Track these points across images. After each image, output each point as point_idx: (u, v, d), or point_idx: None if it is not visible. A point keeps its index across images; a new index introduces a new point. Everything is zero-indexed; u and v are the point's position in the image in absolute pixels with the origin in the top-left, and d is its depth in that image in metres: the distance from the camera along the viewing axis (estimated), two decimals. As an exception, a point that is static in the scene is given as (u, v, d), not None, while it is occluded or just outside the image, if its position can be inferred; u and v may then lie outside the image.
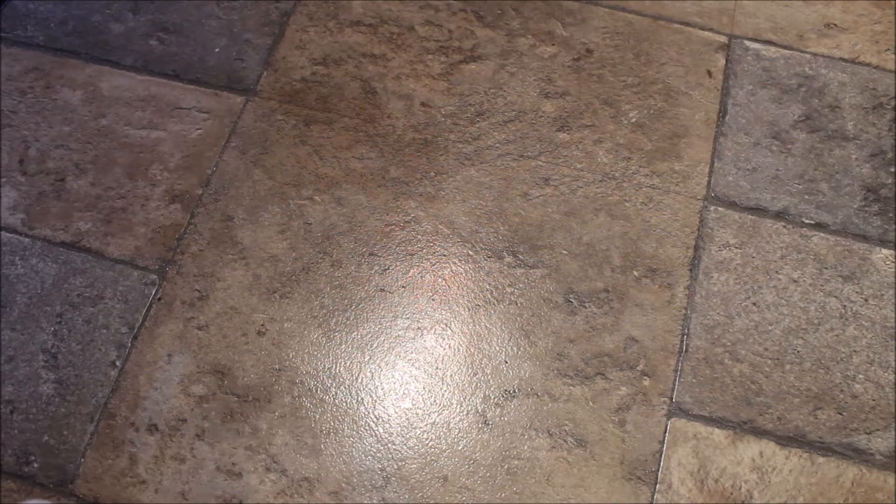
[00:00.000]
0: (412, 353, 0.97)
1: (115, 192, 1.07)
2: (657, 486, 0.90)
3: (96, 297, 1.00)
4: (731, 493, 0.90)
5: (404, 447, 0.92)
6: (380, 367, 0.97)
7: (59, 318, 0.99)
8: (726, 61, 1.17)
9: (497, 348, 0.98)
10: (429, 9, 1.21)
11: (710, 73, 1.16)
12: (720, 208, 1.06)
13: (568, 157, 1.10)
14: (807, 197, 1.07)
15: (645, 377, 0.96)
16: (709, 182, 1.08)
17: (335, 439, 0.93)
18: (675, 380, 0.96)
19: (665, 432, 0.93)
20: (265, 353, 0.97)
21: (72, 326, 0.99)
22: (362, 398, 0.95)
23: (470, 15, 1.20)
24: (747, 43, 1.18)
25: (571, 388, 0.95)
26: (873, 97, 1.14)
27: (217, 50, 1.18)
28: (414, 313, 1.00)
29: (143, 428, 0.93)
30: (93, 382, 0.96)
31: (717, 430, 0.93)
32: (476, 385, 0.96)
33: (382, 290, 1.01)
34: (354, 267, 1.03)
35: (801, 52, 1.17)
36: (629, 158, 1.10)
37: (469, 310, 1.00)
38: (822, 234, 1.04)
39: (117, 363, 0.97)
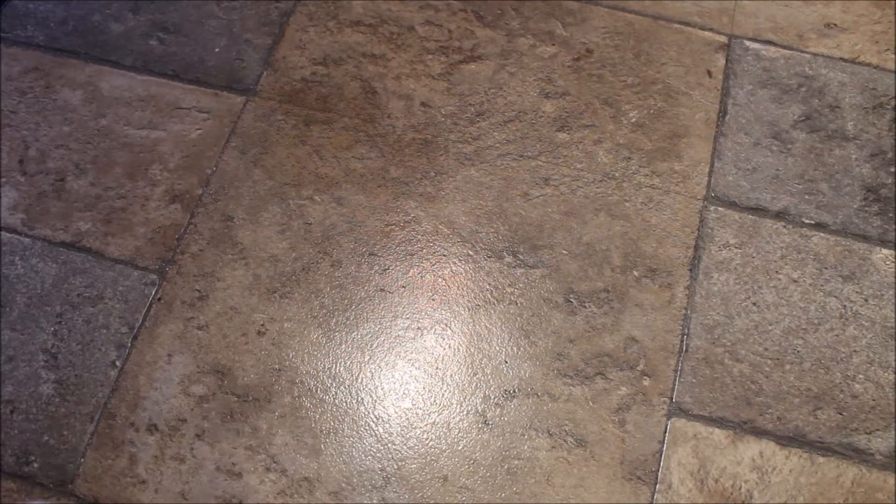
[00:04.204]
0: (412, 353, 0.97)
1: (115, 192, 1.07)
2: (657, 486, 0.90)
3: (96, 297, 1.00)
4: (731, 493, 0.90)
5: (404, 447, 0.92)
6: (380, 367, 0.97)
7: (59, 318, 0.99)
8: (726, 61, 1.17)
9: (497, 348, 0.98)
10: (429, 9, 1.21)
11: (710, 73, 1.16)
12: (720, 208, 1.06)
13: (568, 157, 1.10)
14: (807, 197, 1.07)
15: (645, 377, 0.96)
16: (709, 182, 1.08)
17: (335, 439, 0.93)
18: (675, 380, 0.96)
19: (665, 432, 0.93)
20: (265, 353, 0.97)
21: (72, 326, 0.99)
22: (362, 398, 0.95)
23: (470, 15, 1.20)
24: (747, 43, 1.18)
25: (571, 388, 0.95)
26: (873, 97, 1.14)
27: (217, 50, 1.18)
28: (414, 313, 1.00)
29: (143, 428, 0.93)
30: (93, 382, 0.96)
31: (717, 430, 0.93)
32: (476, 385, 0.96)
33: (382, 290, 1.01)
34: (354, 267, 1.03)
35: (801, 52, 1.17)
36: (629, 158, 1.10)
37: (469, 310, 1.00)
38: (822, 234, 1.04)
39: (117, 363, 0.97)
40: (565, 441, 0.92)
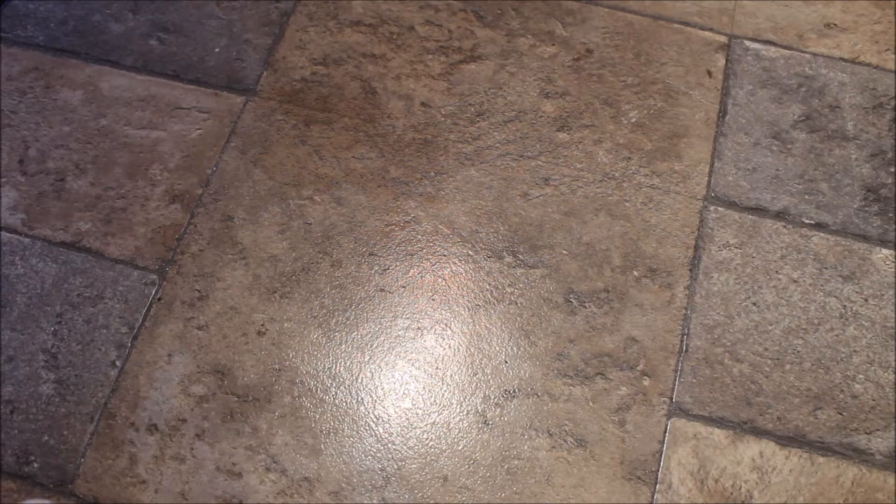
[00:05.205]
0: (412, 353, 0.97)
1: (115, 192, 1.07)
2: (657, 486, 0.90)
3: (96, 297, 1.00)
4: (731, 493, 0.90)
5: (404, 447, 0.92)
6: (380, 367, 0.97)
7: (59, 318, 0.99)
8: (726, 61, 1.17)
9: (497, 348, 0.98)
10: (429, 9, 1.21)
11: (710, 73, 1.16)
12: (720, 208, 1.06)
13: (568, 157, 1.10)
14: (807, 197, 1.07)
15: (645, 377, 0.96)
16: (709, 182, 1.08)
17: (335, 439, 0.93)
18: (675, 380, 0.96)
19: (665, 432, 0.93)
20: (265, 353, 0.97)
21: (72, 326, 0.99)
22: (362, 398, 0.95)
23: (470, 15, 1.20)
24: (747, 43, 1.18)
25: (571, 388, 0.95)
26: (873, 97, 1.14)
27: (217, 50, 1.18)
28: (414, 313, 1.00)
29: (143, 428, 0.93)
30: (93, 382, 0.96)
31: (717, 430, 0.93)
32: (476, 385, 0.96)
33: (382, 290, 1.01)
34: (354, 267, 1.03)
35: (801, 52, 1.17)
36: (629, 158, 1.10)
37: (469, 310, 1.00)
38: (822, 234, 1.04)
39: (117, 363, 0.97)
40: (565, 441, 0.92)
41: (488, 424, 0.93)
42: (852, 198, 1.07)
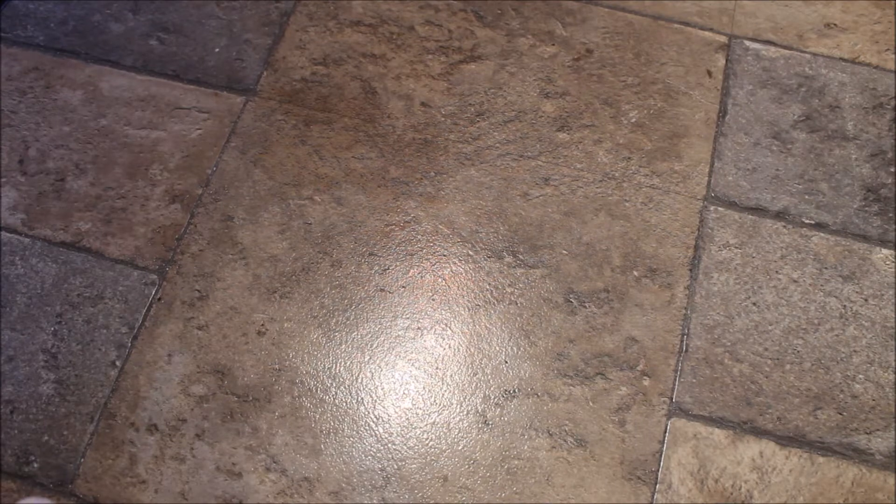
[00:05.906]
0: (412, 353, 0.97)
1: (115, 192, 1.07)
2: (657, 486, 0.90)
3: (96, 297, 1.00)
4: (731, 493, 0.90)
5: (404, 447, 0.92)
6: (380, 367, 0.97)
7: (59, 318, 0.99)
8: (726, 61, 1.17)
9: (497, 348, 0.98)
10: (429, 9, 1.21)
11: (710, 73, 1.16)
12: (720, 208, 1.06)
13: (568, 157, 1.10)
14: (807, 197, 1.07)
15: (645, 377, 0.96)
16: (709, 182, 1.08)
17: (335, 439, 0.93)
18: (675, 380, 0.96)
19: (665, 432, 0.93)
20: (265, 353, 0.97)
21: (72, 326, 0.99)
22: (362, 398, 0.95)
23: (470, 15, 1.20)
24: (747, 43, 1.18)
25: (571, 388, 0.95)
26: (873, 97, 1.14)
27: (217, 50, 1.18)
28: (414, 313, 1.00)
29: (143, 428, 0.93)
30: (93, 382, 0.96)
31: (717, 430, 0.93)
32: (476, 385, 0.96)
33: (382, 290, 1.01)
34: (354, 267, 1.03)
35: (801, 52, 1.17)
36: (629, 158, 1.10)
37: (469, 310, 1.00)
38: (822, 234, 1.04)
39: (117, 363, 0.97)
40: (565, 441, 0.92)
41: (488, 424, 0.93)
42: (852, 198, 1.07)
